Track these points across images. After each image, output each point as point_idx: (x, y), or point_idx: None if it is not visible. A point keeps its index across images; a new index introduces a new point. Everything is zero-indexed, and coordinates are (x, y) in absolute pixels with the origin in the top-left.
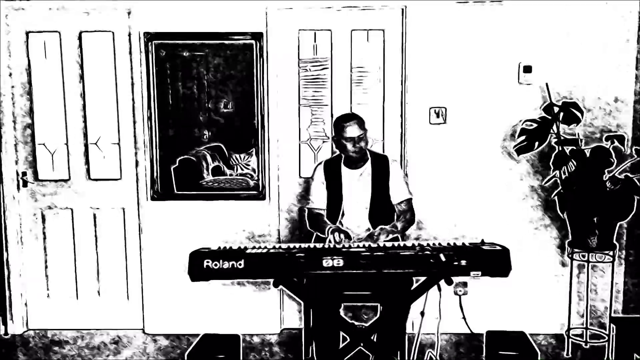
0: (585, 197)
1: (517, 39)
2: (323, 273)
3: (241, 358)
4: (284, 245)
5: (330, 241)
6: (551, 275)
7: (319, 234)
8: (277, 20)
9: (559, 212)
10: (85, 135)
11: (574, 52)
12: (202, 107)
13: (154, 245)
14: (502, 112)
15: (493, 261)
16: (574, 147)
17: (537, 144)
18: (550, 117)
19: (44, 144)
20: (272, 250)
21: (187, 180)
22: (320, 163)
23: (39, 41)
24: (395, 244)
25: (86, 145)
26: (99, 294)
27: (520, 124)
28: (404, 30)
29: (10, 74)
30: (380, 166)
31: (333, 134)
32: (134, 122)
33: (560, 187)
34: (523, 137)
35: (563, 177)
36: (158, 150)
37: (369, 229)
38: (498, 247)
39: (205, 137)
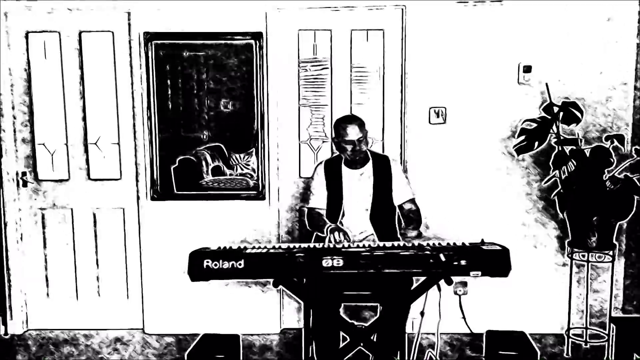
0: (585, 197)
1: (517, 39)
2: (323, 273)
3: (241, 358)
4: (283, 245)
5: (329, 240)
6: (551, 275)
7: (318, 233)
8: (277, 20)
9: (558, 212)
10: (85, 135)
11: (574, 52)
12: (202, 107)
13: (153, 245)
14: (502, 112)
15: (493, 261)
16: (574, 147)
17: (536, 143)
18: (550, 117)
19: (43, 144)
20: (271, 250)
21: (187, 180)
22: (320, 163)
23: (39, 41)
24: (395, 243)
25: (86, 145)
26: (98, 294)
27: (520, 123)
28: (403, 30)
29: (10, 74)
30: (382, 166)
31: (333, 136)
32: (134, 122)
33: (560, 187)
34: (523, 137)
35: (563, 177)
36: (158, 150)
37: (364, 231)
38: (498, 247)
39: (205, 137)
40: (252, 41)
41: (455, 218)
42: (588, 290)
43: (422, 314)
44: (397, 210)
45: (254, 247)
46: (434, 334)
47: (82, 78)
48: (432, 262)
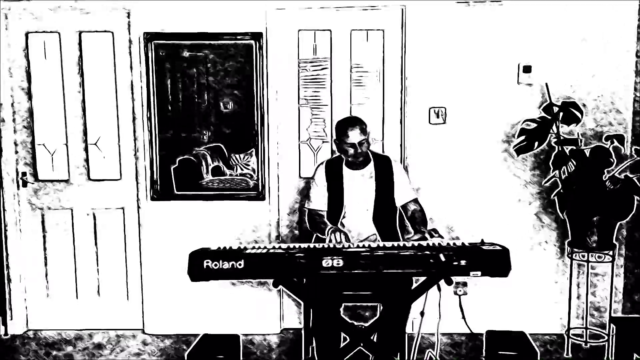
0: (584, 197)
1: (517, 39)
2: (323, 273)
3: (241, 358)
4: (283, 245)
5: (330, 241)
6: (551, 275)
7: (319, 235)
8: (277, 20)
9: (558, 212)
10: (85, 135)
11: (573, 52)
12: (202, 107)
13: (153, 246)
14: (502, 112)
15: (493, 261)
16: (574, 147)
17: (536, 143)
18: (549, 117)
19: (43, 144)
20: (271, 251)
21: (187, 181)
22: (321, 163)
23: (39, 41)
24: (395, 243)
25: (86, 146)
26: (98, 294)
27: (520, 124)
28: (403, 30)
29: (10, 74)
30: (383, 167)
31: (335, 137)
32: (134, 123)
33: (559, 187)
34: (523, 137)
35: (563, 177)
36: (158, 150)
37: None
38: (498, 247)
39: (205, 137)
40: (252, 41)
41: (454, 218)
42: (588, 291)
43: (422, 314)
44: (401, 211)
45: (254, 247)
46: (434, 334)
47: (81, 78)
48: (432, 262)
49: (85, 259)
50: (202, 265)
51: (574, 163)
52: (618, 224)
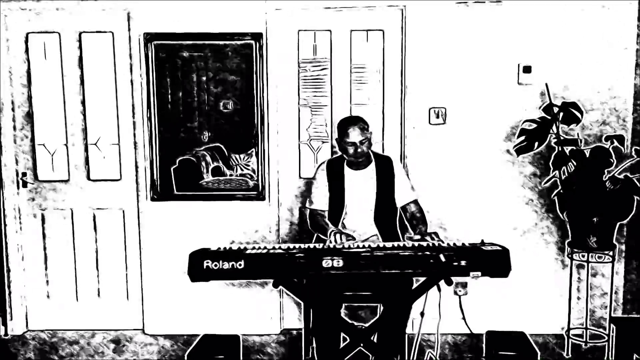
0: (584, 198)
1: (517, 39)
2: (323, 273)
3: (241, 358)
4: (283, 246)
5: (331, 241)
6: (551, 276)
7: (320, 234)
8: (277, 20)
9: (558, 212)
10: (85, 135)
11: (574, 52)
12: (202, 107)
13: (153, 246)
14: (502, 112)
15: (493, 261)
16: (574, 147)
17: (536, 144)
18: (549, 117)
19: (43, 145)
20: (272, 251)
21: (187, 181)
22: (322, 163)
23: (39, 42)
24: (395, 244)
25: (86, 146)
26: (98, 295)
27: (520, 124)
28: (403, 31)
29: (10, 75)
30: (384, 167)
31: (336, 136)
32: (134, 123)
33: (559, 188)
34: (523, 137)
35: (563, 177)
36: (158, 150)
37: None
38: (498, 248)
39: (205, 137)
40: (252, 41)
41: (455, 218)
42: (588, 291)
43: (422, 314)
44: (401, 212)
45: (254, 248)
46: (434, 334)
47: (82, 79)
48: (432, 263)
49: (85, 259)
50: (202, 266)
51: (574, 163)
52: (618, 224)
